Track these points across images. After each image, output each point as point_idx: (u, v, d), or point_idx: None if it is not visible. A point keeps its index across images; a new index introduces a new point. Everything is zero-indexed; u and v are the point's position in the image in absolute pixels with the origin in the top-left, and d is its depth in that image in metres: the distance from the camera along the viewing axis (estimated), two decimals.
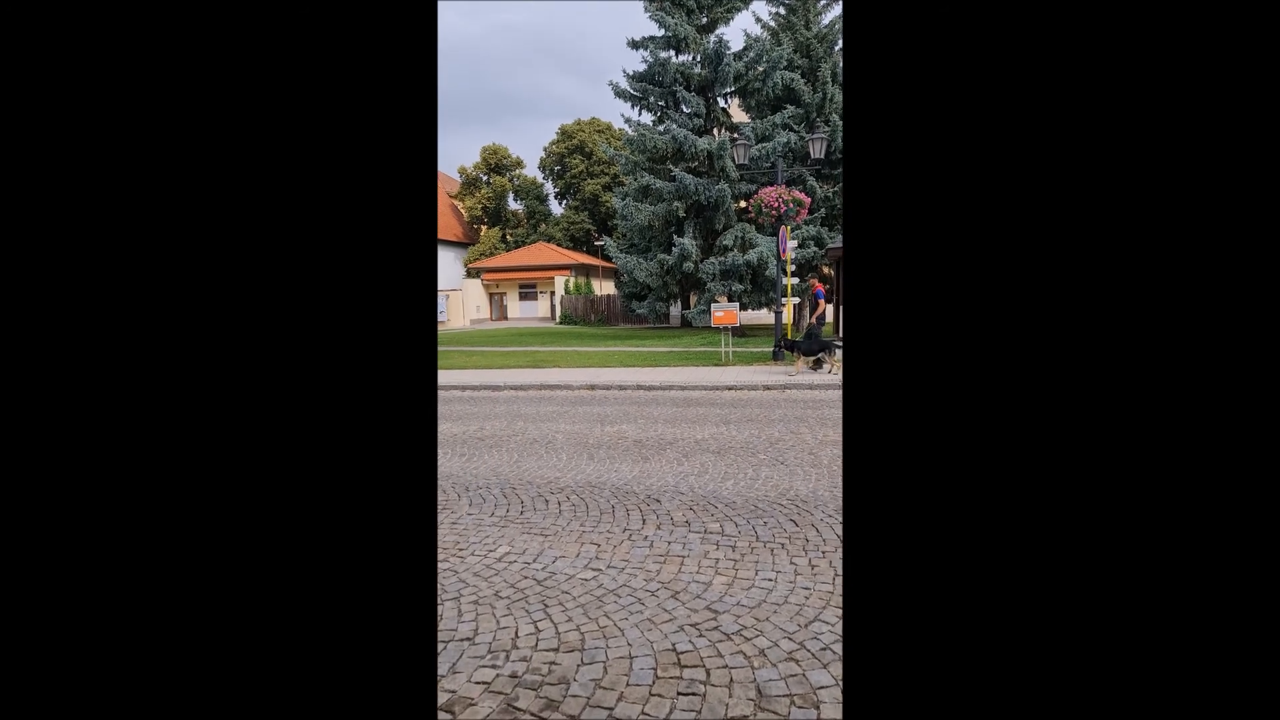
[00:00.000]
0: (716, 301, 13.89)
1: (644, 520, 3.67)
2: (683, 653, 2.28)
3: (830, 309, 9.53)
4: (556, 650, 2.33)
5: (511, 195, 36.82)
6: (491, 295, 32.33)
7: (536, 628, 2.50)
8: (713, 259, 17.63)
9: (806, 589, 2.75)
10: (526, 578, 2.96)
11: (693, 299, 20.05)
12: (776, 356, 11.19)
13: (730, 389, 8.73)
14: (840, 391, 8.18)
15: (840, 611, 2.54)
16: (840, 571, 2.91)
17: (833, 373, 9.38)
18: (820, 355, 9.68)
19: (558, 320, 27.59)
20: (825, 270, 20.80)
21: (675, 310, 22.31)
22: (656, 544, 3.31)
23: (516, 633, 2.47)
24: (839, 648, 2.28)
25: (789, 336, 11.59)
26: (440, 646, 2.37)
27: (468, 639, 2.43)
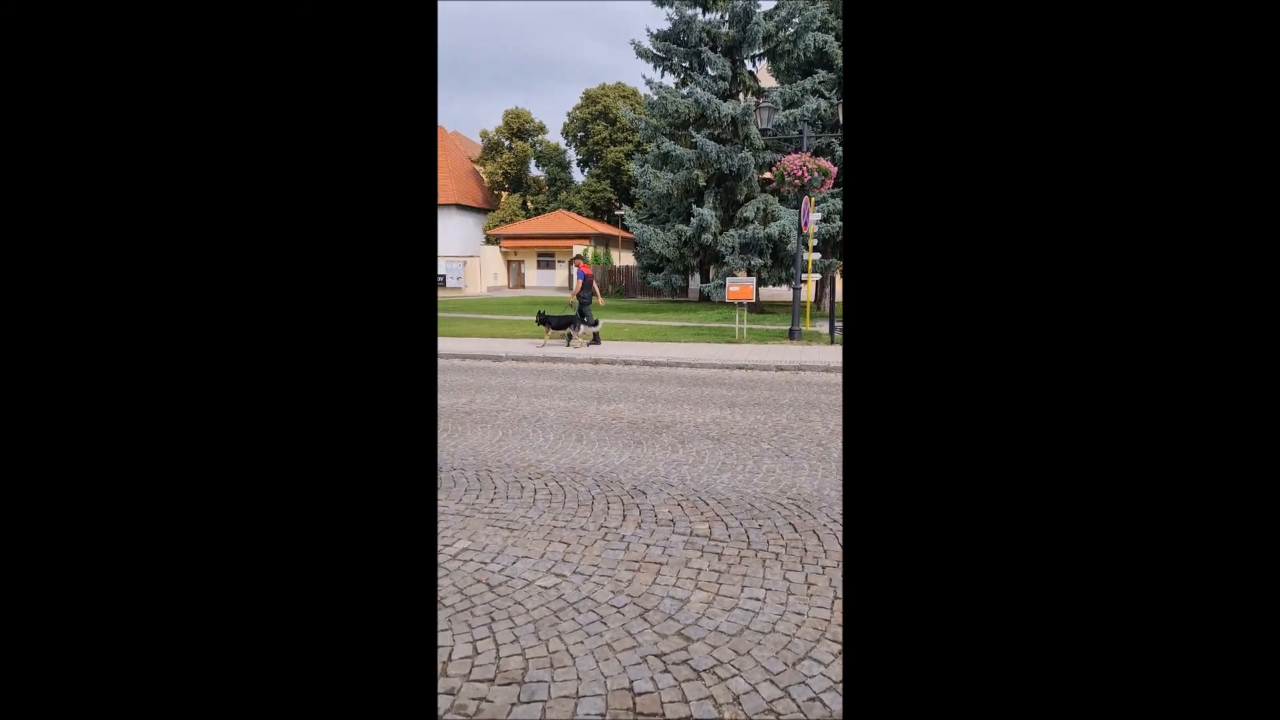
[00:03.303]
0: (734, 275, 13.32)
1: (624, 516, 3.27)
2: (640, 695, 1.89)
3: (590, 285, 10.55)
4: (491, 682, 1.95)
5: (533, 161, 36.12)
6: (510, 263, 31.89)
7: (475, 649, 2.12)
8: (733, 231, 16.96)
9: (799, 615, 2.33)
10: (479, 581, 2.59)
11: (711, 272, 19.45)
12: (793, 335, 10.66)
13: (740, 368, 8.26)
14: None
15: (838, 647, 2.13)
16: (842, 594, 2.48)
17: (577, 346, 9.94)
18: (569, 330, 10.19)
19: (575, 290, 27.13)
20: None
21: (694, 283, 21.71)
22: (633, 546, 2.91)
23: (451, 654, 2.09)
24: (831, 699, 1.87)
25: (808, 314, 11.33)
26: None
27: None
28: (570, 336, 10.20)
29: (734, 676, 1.97)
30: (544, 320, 10.41)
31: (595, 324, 10.37)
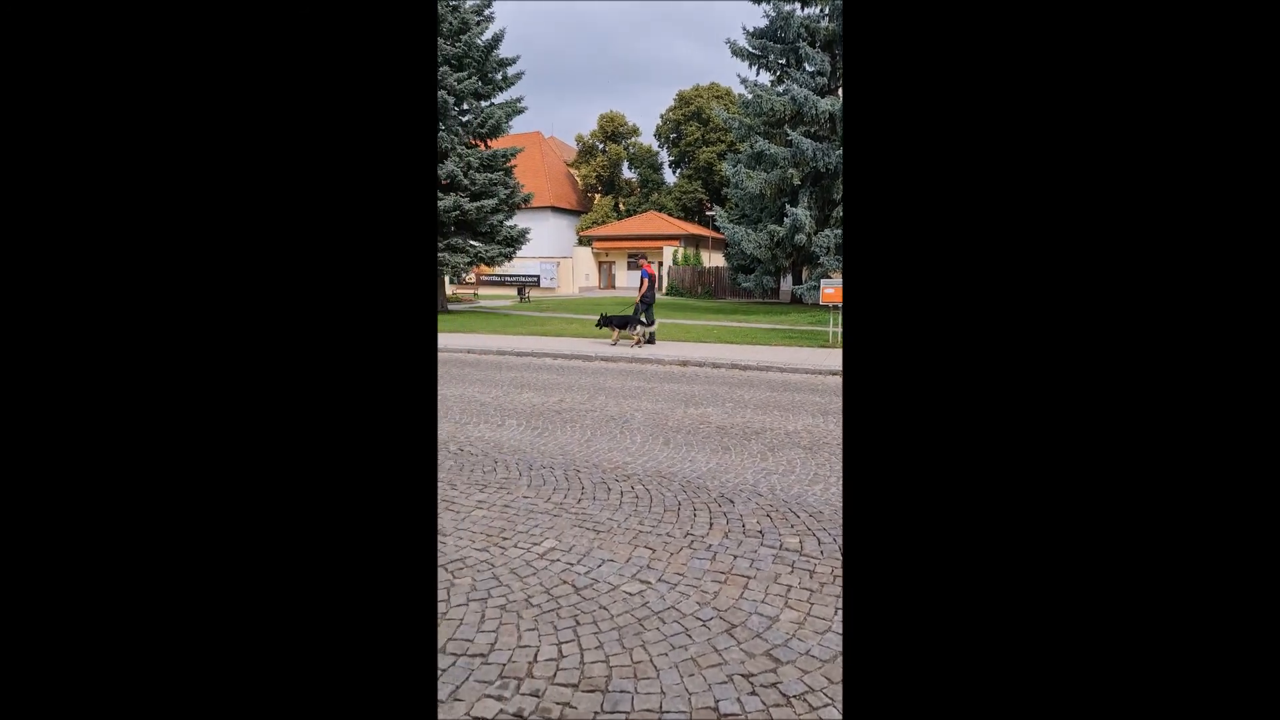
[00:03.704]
0: (829, 277, 12.83)
1: (711, 524, 3.19)
2: (726, 716, 1.81)
3: (651, 287, 10.71)
4: (575, 687, 1.94)
5: (626, 163, 36.60)
6: (601, 264, 32.45)
7: (560, 651, 2.13)
8: (828, 231, 16.39)
9: None
10: (565, 583, 2.60)
11: (804, 273, 18.89)
12: None
13: (834, 374, 7.93)
14: None
15: None
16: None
17: (637, 345, 10.11)
18: (630, 330, 10.40)
19: (664, 291, 27.24)
20: None
21: (786, 285, 21.19)
22: (720, 557, 2.83)
23: (536, 655, 2.11)
24: None
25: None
26: (450, 660, 2.07)
27: (481, 655, 2.10)
28: (650, 335, 10.34)
29: (826, 706, 1.85)
30: (606, 321, 10.70)
31: (651, 324, 10.64)
